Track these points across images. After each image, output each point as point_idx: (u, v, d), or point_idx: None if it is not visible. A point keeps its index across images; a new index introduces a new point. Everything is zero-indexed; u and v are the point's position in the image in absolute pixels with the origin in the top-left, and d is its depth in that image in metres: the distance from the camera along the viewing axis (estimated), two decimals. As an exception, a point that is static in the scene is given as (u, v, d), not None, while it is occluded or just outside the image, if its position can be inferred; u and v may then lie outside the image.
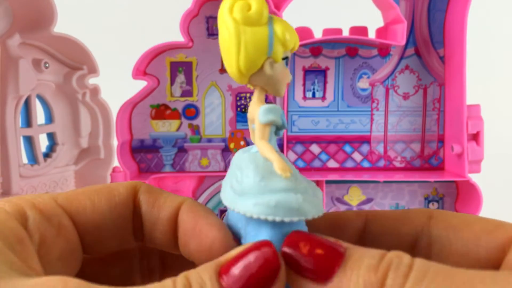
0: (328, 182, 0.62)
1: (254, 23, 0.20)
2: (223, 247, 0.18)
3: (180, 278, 0.16)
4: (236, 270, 0.16)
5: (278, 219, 0.17)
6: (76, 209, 0.19)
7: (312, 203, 0.18)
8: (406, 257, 0.15)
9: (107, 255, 0.21)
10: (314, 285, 0.15)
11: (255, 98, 0.20)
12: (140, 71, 0.59)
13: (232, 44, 0.19)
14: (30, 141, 0.54)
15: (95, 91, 0.60)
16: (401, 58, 0.62)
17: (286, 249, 0.16)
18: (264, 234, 0.18)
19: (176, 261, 0.23)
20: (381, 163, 0.64)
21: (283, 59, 0.20)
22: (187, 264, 0.20)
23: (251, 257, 0.16)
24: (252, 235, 0.18)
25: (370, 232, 0.20)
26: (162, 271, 0.23)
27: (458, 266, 0.15)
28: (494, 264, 0.17)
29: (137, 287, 0.15)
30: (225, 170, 0.62)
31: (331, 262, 0.15)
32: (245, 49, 0.19)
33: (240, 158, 0.19)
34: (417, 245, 0.20)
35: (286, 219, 0.17)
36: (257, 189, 0.17)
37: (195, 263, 0.20)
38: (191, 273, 0.16)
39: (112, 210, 0.19)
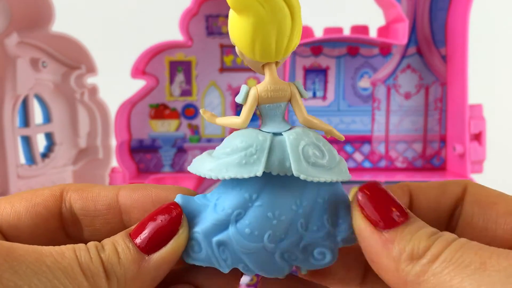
0: (328, 182, 0.62)
1: None
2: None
3: (92, 242, 0.18)
4: (145, 228, 0.19)
5: (347, 179, 0.20)
6: None
7: None
8: (455, 235, 0.17)
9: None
10: (371, 229, 0.17)
11: (276, 76, 0.20)
12: (139, 70, 0.58)
13: (299, 20, 0.19)
14: (27, 141, 0.54)
15: (93, 90, 0.59)
16: (403, 57, 0.62)
17: (364, 189, 0.18)
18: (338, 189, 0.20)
19: None
20: (383, 163, 0.64)
21: None
22: None
23: (158, 217, 0.19)
24: (329, 196, 0.20)
25: (415, 206, 0.21)
26: None
27: (476, 240, 0.17)
28: (510, 244, 0.18)
29: (53, 247, 0.17)
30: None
31: (397, 217, 0.17)
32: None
33: (302, 137, 0.19)
34: (453, 215, 0.21)
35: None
36: (336, 160, 0.20)
37: None
38: (104, 240, 0.18)
39: (30, 211, 0.20)
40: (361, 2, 0.64)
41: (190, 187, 0.64)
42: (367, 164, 0.64)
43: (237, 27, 0.19)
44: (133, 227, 0.19)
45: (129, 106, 0.60)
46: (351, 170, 0.64)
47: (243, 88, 0.20)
